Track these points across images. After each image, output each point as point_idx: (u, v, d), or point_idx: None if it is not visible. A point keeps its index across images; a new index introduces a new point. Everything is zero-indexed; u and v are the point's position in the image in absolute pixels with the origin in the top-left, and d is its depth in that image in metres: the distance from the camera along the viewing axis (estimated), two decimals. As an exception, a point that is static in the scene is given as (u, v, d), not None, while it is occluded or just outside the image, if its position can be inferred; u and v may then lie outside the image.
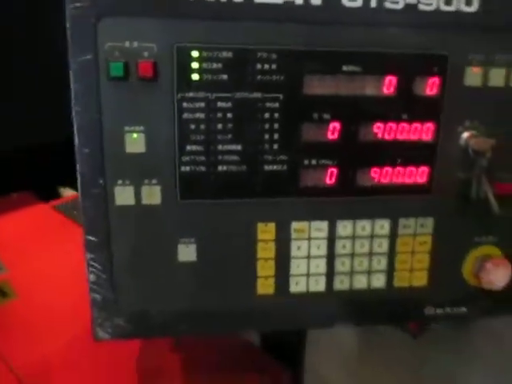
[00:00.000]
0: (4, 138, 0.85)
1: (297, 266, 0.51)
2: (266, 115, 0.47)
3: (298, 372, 0.69)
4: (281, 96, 0.46)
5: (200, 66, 0.45)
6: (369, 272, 0.52)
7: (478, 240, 0.53)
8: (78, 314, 0.63)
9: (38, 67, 0.83)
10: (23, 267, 0.74)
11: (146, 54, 0.44)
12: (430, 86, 0.48)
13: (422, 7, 0.46)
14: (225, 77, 0.45)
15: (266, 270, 0.50)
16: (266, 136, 0.47)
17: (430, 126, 0.49)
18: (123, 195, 0.47)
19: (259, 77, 0.46)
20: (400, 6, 0.45)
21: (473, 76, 0.48)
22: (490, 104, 0.49)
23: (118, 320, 0.49)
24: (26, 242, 0.79)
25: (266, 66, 0.45)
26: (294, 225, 0.50)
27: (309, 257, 0.51)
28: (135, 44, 0.43)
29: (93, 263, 0.48)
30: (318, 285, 0.52)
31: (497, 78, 0.48)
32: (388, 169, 0.50)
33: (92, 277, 0.48)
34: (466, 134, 0.49)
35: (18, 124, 0.94)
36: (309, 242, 0.51)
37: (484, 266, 0.51)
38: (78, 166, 0.46)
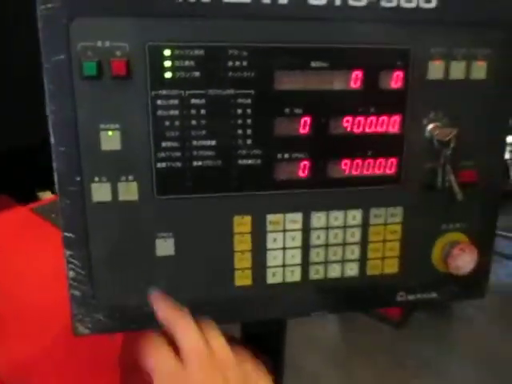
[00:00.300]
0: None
1: (273, 258, 0.52)
2: (239, 111, 0.48)
3: (279, 363, 0.71)
4: (252, 92, 0.48)
5: (172, 64, 0.46)
6: (342, 261, 0.54)
7: (446, 227, 0.55)
8: (58, 313, 0.63)
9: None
10: (1, 268, 0.74)
11: (118, 53, 0.45)
12: (395, 80, 0.50)
13: (383, 4, 0.48)
14: (197, 74, 0.46)
15: (243, 262, 0.52)
16: (240, 131, 0.49)
17: (396, 118, 0.51)
18: (100, 192, 0.47)
19: (231, 73, 0.47)
20: (363, 2, 0.47)
21: (435, 69, 0.50)
22: (452, 96, 0.51)
23: (98, 315, 0.50)
24: (3, 243, 0.78)
25: (238, 63, 0.47)
26: (270, 217, 0.51)
27: (284, 248, 0.52)
28: (107, 43, 0.44)
29: (72, 260, 0.48)
30: (294, 275, 0.53)
31: (457, 70, 0.51)
32: (358, 161, 0.52)
33: (71, 273, 0.49)
34: (430, 126, 0.51)
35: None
36: (284, 233, 0.52)
37: (451, 252, 0.53)
38: (54, 163, 0.46)
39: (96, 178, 0.47)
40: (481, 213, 0.55)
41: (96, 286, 0.49)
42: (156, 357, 0.47)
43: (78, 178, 0.47)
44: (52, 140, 0.46)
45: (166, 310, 0.48)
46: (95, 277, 0.49)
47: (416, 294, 0.56)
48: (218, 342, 0.48)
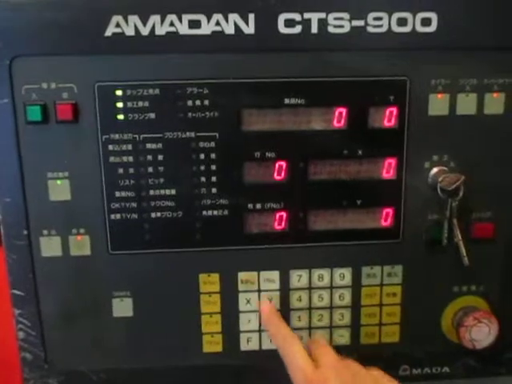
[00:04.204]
0: None
1: (247, 321, 0.46)
2: (202, 156, 0.42)
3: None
4: (217, 134, 0.42)
5: (125, 105, 0.41)
6: (330, 327, 0.46)
7: (458, 290, 0.46)
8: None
9: None
10: None
11: (65, 95, 0.40)
12: (388, 117, 0.42)
13: (371, 29, 0.40)
14: (152, 116, 0.41)
15: (211, 325, 0.45)
16: (203, 178, 0.43)
17: (391, 161, 0.43)
18: (49, 246, 0.43)
19: (191, 114, 0.41)
20: (346, 29, 0.40)
21: (437, 104, 0.42)
22: (460, 135, 0.42)
23: (52, 381, 0.45)
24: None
25: (198, 102, 0.41)
26: (241, 275, 0.45)
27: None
28: (53, 85, 0.40)
29: (21, 319, 0.44)
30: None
31: (466, 105, 0.42)
32: (345, 211, 0.44)
33: (21, 334, 0.44)
34: (434, 171, 0.43)
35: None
36: (259, 294, 0.45)
37: (464, 322, 0.44)
38: (0, 216, 0.42)
39: (45, 232, 0.43)
40: (502, 273, 0.45)
41: (48, 349, 0.45)
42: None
43: (26, 232, 0.42)
44: (-3, 190, 0.42)
45: (276, 330, 0.43)
46: (47, 338, 0.45)
47: (423, 367, 0.47)
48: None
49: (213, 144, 0.42)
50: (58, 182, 0.42)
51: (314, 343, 0.41)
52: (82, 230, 0.43)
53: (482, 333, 0.44)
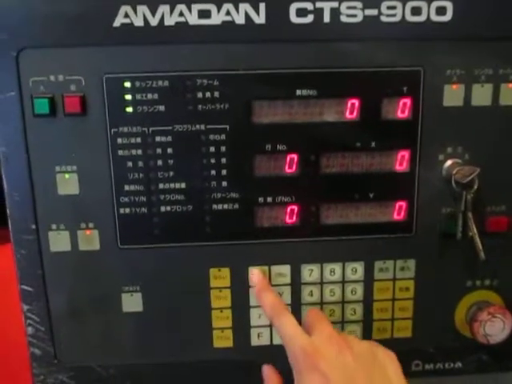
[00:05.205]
0: None
1: (258, 316, 0.45)
2: (212, 149, 0.41)
3: None
4: (227, 127, 0.41)
5: (133, 98, 0.40)
6: (342, 322, 0.46)
7: (472, 284, 0.45)
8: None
9: None
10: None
11: (73, 87, 0.40)
12: (402, 108, 0.41)
13: (384, 19, 0.39)
14: (162, 108, 0.40)
15: (221, 320, 0.45)
16: (213, 172, 0.42)
17: (404, 154, 0.42)
18: (58, 241, 0.42)
19: (201, 106, 0.41)
20: (359, 18, 0.39)
21: (452, 94, 0.41)
22: (475, 127, 0.42)
23: (61, 376, 0.45)
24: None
25: (208, 94, 0.40)
26: (252, 270, 0.44)
27: (271, 305, 0.45)
28: (61, 77, 0.40)
29: (30, 315, 0.44)
30: (284, 337, 0.45)
31: (481, 96, 0.41)
32: (357, 205, 0.43)
33: (30, 330, 0.44)
34: (448, 163, 0.42)
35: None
36: (270, 288, 0.45)
37: (478, 316, 0.43)
38: (8, 210, 0.42)
39: (53, 226, 0.42)
40: (517, 267, 0.45)
41: (57, 345, 0.44)
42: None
43: (34, 226, 0.42)
44: (5, 185, 0.41)
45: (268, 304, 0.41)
46: (56, 334, 0.44)
47: (435, 363, 0.47)
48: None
49: (223, 136, 0.41)
50: (66, 175, 0.41)
51: (309, 312, 0.40)
52: (90, 225, 0.42)
53: (496, 328, 0.43)
